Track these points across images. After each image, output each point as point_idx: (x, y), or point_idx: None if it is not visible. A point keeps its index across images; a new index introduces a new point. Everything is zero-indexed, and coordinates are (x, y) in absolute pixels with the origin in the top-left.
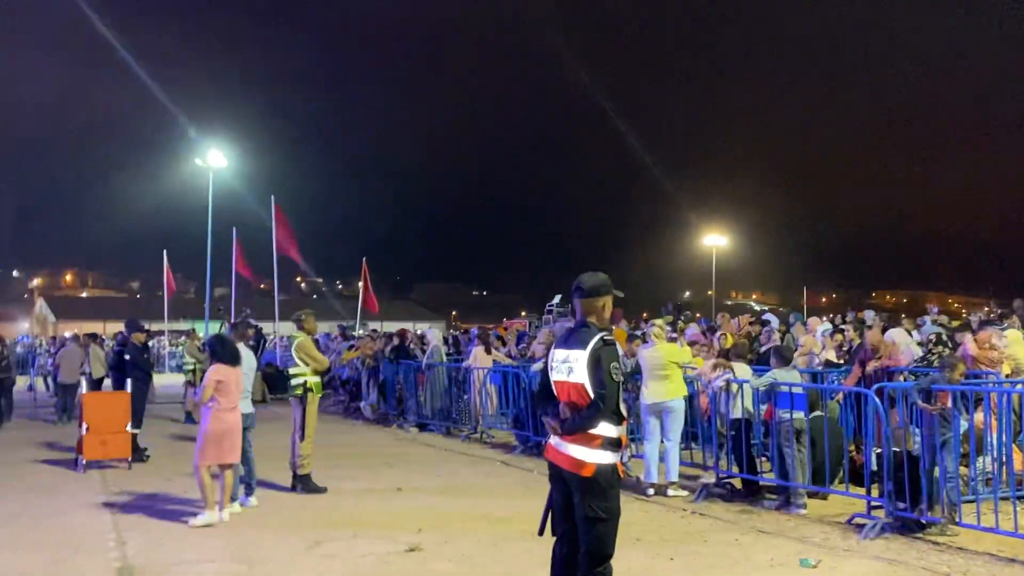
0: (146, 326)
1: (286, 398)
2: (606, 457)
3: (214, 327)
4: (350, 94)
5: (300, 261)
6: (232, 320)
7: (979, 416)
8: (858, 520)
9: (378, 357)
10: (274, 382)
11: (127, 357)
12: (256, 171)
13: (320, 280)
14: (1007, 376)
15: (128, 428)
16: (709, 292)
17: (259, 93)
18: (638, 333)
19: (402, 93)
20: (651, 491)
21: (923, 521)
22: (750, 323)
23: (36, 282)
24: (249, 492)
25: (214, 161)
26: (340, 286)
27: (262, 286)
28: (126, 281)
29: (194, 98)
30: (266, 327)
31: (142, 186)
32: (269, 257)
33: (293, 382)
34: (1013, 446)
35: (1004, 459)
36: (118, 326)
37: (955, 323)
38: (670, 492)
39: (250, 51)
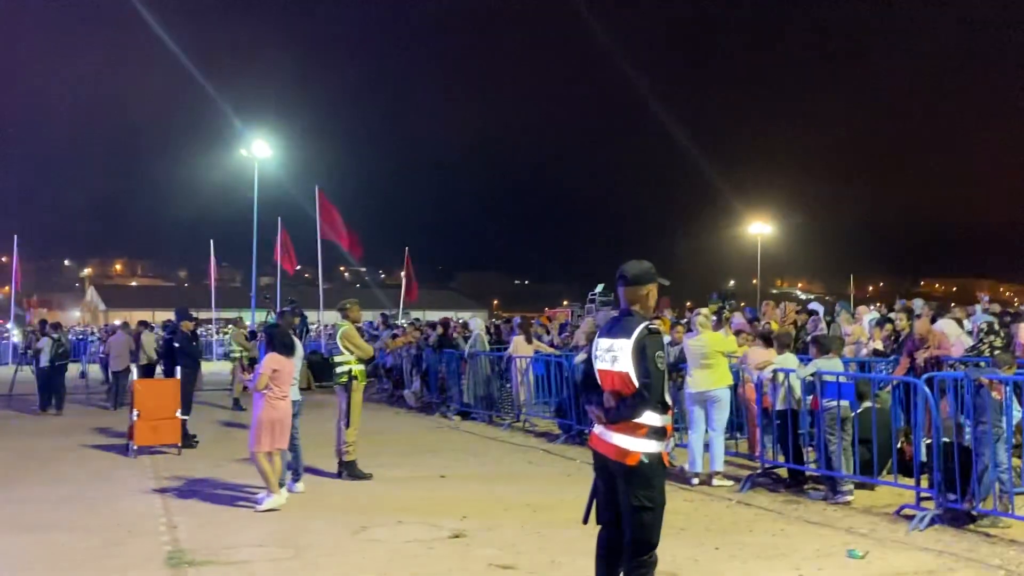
0: (194, 314)
1: (331, 386)
2: (651, 446)
3: (260, 316)
4: (394, 83)
5: (357, 251)
6: (278, 308)
7: None
8: (907, 511)
9: (421, 345)
10: (319, 370)
11: (176, 345)
12: (301, 161)
13: (363, 269)
14: None
15: (178, 414)
16: (754, 280)
17: (304, 83)
18: (683, 321)
19: (447, 82)
20: (696, 481)
21: (974, 513)
22: (796, 312)
23: (87, 271)
24: (296, 478)
25: (259, 151)
26: (383, 275)
27: (306, 275)
28: (174, 270)
29: (241, 89)
30: (310, 315)
31: (191, 176)
32: (314, 245)
33: (338, 370)
34: None
35: None
36: (166, 314)
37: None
38: (715, 482)
39: (296, 41)
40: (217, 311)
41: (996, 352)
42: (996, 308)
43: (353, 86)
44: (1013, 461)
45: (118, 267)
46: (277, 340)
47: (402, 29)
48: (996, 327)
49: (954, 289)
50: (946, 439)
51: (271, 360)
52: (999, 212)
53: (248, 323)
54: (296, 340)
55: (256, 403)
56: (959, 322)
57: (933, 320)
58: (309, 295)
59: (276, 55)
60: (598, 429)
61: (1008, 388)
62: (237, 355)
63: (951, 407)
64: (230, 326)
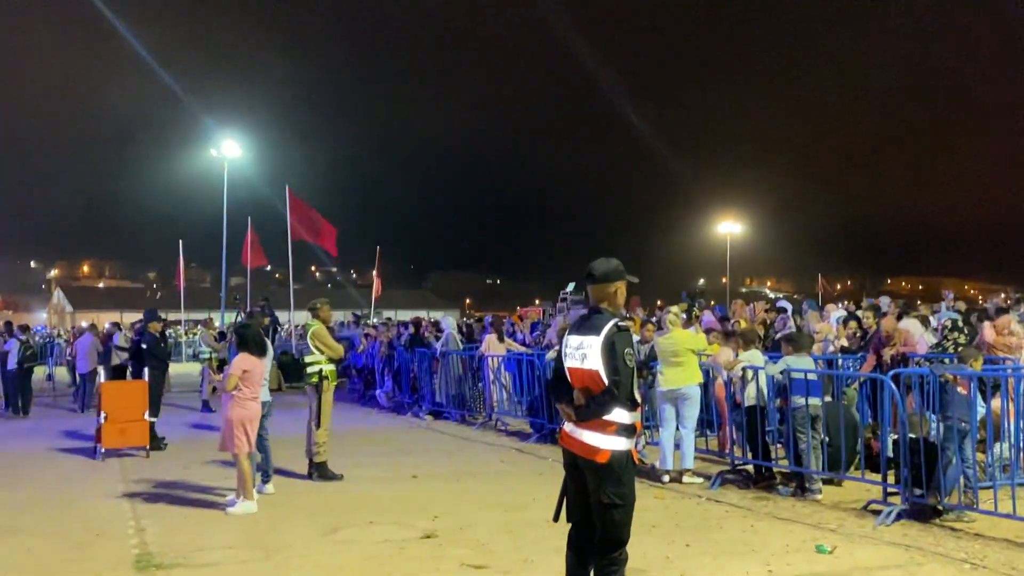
0: (162, 315)
1: (301, 386)
2: (621, 443)
3: (230, 316)
4: (365, 83)
5: (332, 247)
6: (248, 309)
7: (996, 402)
8: (874, 506)
9: (393, 345)
10: (290, 370)
11: (144, 346)
12: (272, 161)
13: (335, 269)
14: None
15: (146, 417)
16: (724, 279)
17: (274, 83)
18: (653, 320)
19: (418, 82)
20: (666, 478)
21: (940, 507)
22: (765, 310)
23: (53, 273)
24: (266, 480)
25: (229, 151)
26: (354, 275)
27: (276, 275)
28: (143, 271)
29: (210, 89)
30: (281, 316)
31: (160, 177)
32: (285, 246)
33: (309, 370)
34: None
35: (1021, 445)
36: (135, 316)
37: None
38: (685, 479)
39: (265, 40)
40: (187, 312)
41: (960, 348)
42: (961, 306)
43: (324, 86)
44: (978, 456)
45: (85, 268)
46: (248, 341)
47: (374, 29)
48: (960, 324)
49: (920, 287)
50: (912, 435)
51: (241, 361)
52: (966, 212)
53: (218, 324)
54: (267, 340)
55: (226, 404)
56: (925, 319)
57: (899, 318)
58: (280, 295)
59: (246, 54)
60: (568, 427)
61: (973, 384)
62: (207, 356)
63: (917, 403)
64: (199, 327)
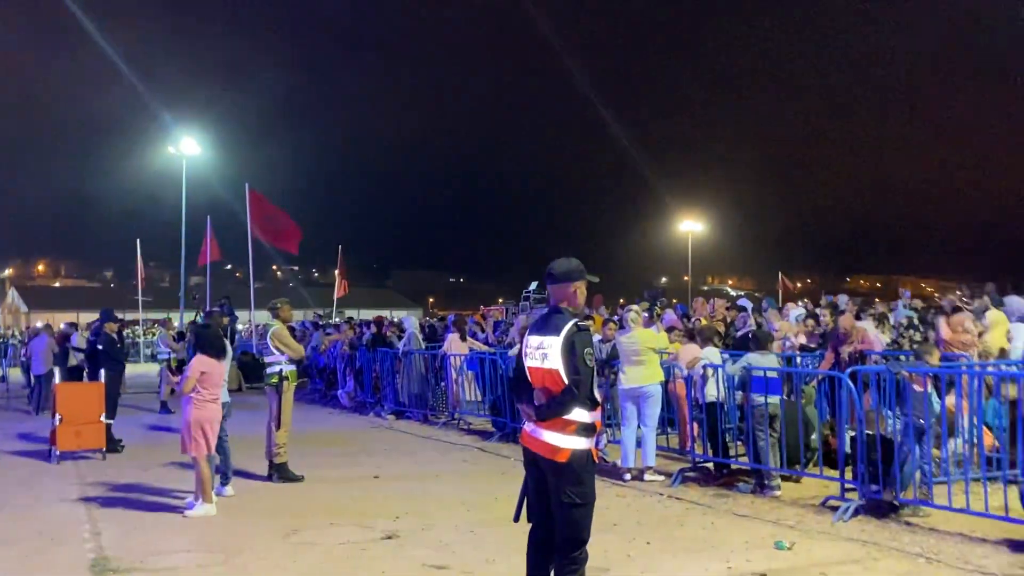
0: (120, 316)
1: (262, 387)
2: (580, 443)
3: (189, 316)
4: (327, 81)
5: (293, 244)
6: (207, 309)
7: (951, 399)
8: (832, 502)
9: (355, 345)
10: (250, 371)
11: (100, 347)
12: (232, 159)
13: (296, 268)
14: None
15: (102, 418)
16: (686, 278)
17: (234, 80)
18: (615, 319)
19: (381, 79)
20: (628, 476)
21: (896, 503)
22: (726, 308)
23: (7, 272)
24: (225, 482)
25: (188, 149)
26: (316, 274)
27: (237, 275)
28: (100, 271)
29: (168, 85)
30: (241, 315)
31: (117, 175)
32: (245, 244)
33: (269, 371)
34: (983, 428)
35: (975, 441)
36: (91, 316)
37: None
38: (647, 477)
39: (225, 36)
40: (145, 312)
41: (916, 345)
42: (918, 304)
43: (284, 84)
44: (933, 452)
45: (40, 268)
46: (206, 342)
47: (336, 24)
48: (916, 322)
49: (878, 285)
50: (869, 431)
51: (199, 362)
52: (923, 212)
53: (176, 324)
54: (226, 341)
55: (185, 406)
56: (883, 317)
57: (857, 316)
58: (240, 294)
59: (205, 50)
60: (529, 427)
61: (928, 381)
62: (165, 357)
63: (874, 400)
64: (158, 327)
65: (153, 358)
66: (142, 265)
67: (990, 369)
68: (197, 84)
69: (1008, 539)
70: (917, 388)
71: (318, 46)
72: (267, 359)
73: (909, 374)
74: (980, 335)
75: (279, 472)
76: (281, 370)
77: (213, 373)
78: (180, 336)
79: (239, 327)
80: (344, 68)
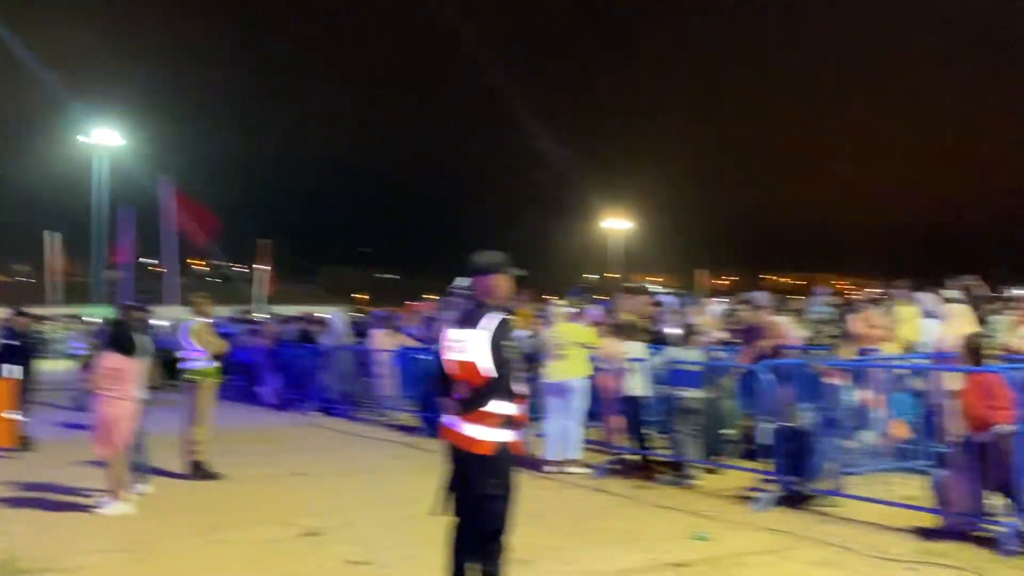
0: (34, 311)
1: (181, 383)
2: (503, 435)
3: (105, 311)
4: (252, 72)
5: (208, 235)
6: (124, 304)
7: (864, 392)
8: (750, 493)
9: (278, 340)
10: (169, 367)
11: (11, 342)
12: (151, 151)
13: (219, 263)
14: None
15: (12, 415)
16: (613, 274)
17: (154, 69)
18: (541, 313)
19: (306, 71)
20: (552, 469)
21: (811, 493)
22: (650, 304)
23: None
24: (142, 480)
25: (104, 140)
26: (241, 269)
27: (156, 269)
28: (13, 264)
29: (84, 74)
30: (161, 310)
31: (29, 166)
32: (165, 238)
33: (188, 367)
34: (895, 419)
35: (886, 432)
36: (1, 312)
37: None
38: (571, 469)
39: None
40: (60, 307)
41: (830, 340)
42: (834, 300)
43: (207, 74)
44: (846, 443)
45: None
46: (117, 338)
47: (259, 15)
48: (831, 317)
49: (798, 283)
50: (786, 424)
51: (109, 359)
52: (842, 212)
53: (93, 319)
54: (141, 336)
55: (97, 404)
56: (801, 312)
57: (775, 312)
58: (160, 289)
59: (123, 40)
60: (449, 420)
61: (842, 374)
62: (79, 353)
63: (790, 393)
64: (72, 322)
65: (67, 354)
66: (57, 259)
67: (898, 363)
68: (116, 74)
69: (917, 527)
70: (831, 381)
71: (244, 37)
72: (186, 355)
73: (823, 367)
74: (892, 330)
75: (198, 470)
76: (200, 366)
77: (125, 370)
78: (98, 332)
79: (159, 323)
80: (271, 60)
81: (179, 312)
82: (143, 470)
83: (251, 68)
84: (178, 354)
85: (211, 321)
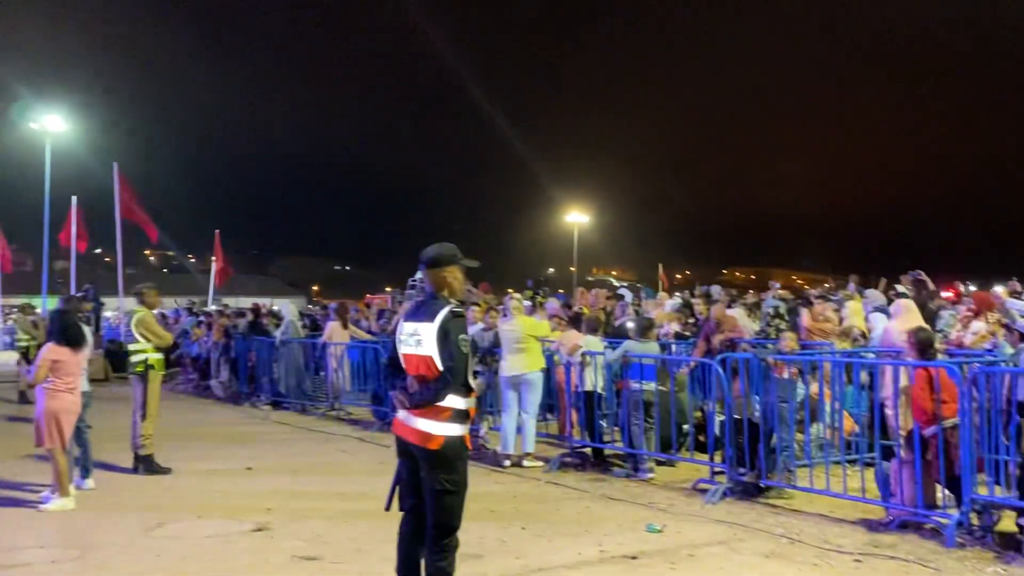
0: None
1: (128, 376)
2: (454, 429)
3: (52, 302)
4: (204, 60)
5: (153, 234)
6: (69, 294)
7: (814, 385)
8: (702, 485)
9: (230, 333)
10: (117, 360)
11: None
12: (101, 138)
13: (171, 253)
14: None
15: None
16: (572, 268)
17: (104, 55)
18: (499, 307)
19: (263, 61)
20: (508, 463)
21: (762, 485)
22: (607, 298)
23: None
24: (85, 474)
25: (52, 126)
26: (192, 259)
27: (107, 259)
28: None
29: (32, 58)
30: (111, 302)
31: None
32: (114, 227)
33: (134, 359)
34: (844, 413)
35: (836, 425)
36: None
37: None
38: (526, 463)
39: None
40: (5, 297)
41: (783, 325)
42: (787, 294)
43: (161, 63)
44: (796, 436)
45: None
46: (60, 329)
47: (214, 7)
48: (782, 311)
49: (752, 277)
50: (737, 416)
51: (51, 351)
52: (797, 208)
53: (38, 310)
54: (86, 328)
55: (39, 397)
56: (755, 306)
57: (729, 305)
58: (110, 280)
59: (75, 25)
60: (402, 414)
61: (791, 367)
62: (24, 344)
63: (742, 386)
64: (16, 313)
65: (11, 345)
66: (3, 247)
67: (848, 356)
68: (64, 58)
69: (865, 519)
70: (780, 374)
71: (202, 25)
72: (132, 347)
73: (773, 361)
74: (841, 323)
75: (144, 464)
76: (147, 358)
77: (68, 362)
78: (48, 323)
79: (107, 314)
80: (229, 48)
81: (129, 303)
82: (86, 465)
83: (208, 58)
84: (125, 346)
85: (161, 312)
